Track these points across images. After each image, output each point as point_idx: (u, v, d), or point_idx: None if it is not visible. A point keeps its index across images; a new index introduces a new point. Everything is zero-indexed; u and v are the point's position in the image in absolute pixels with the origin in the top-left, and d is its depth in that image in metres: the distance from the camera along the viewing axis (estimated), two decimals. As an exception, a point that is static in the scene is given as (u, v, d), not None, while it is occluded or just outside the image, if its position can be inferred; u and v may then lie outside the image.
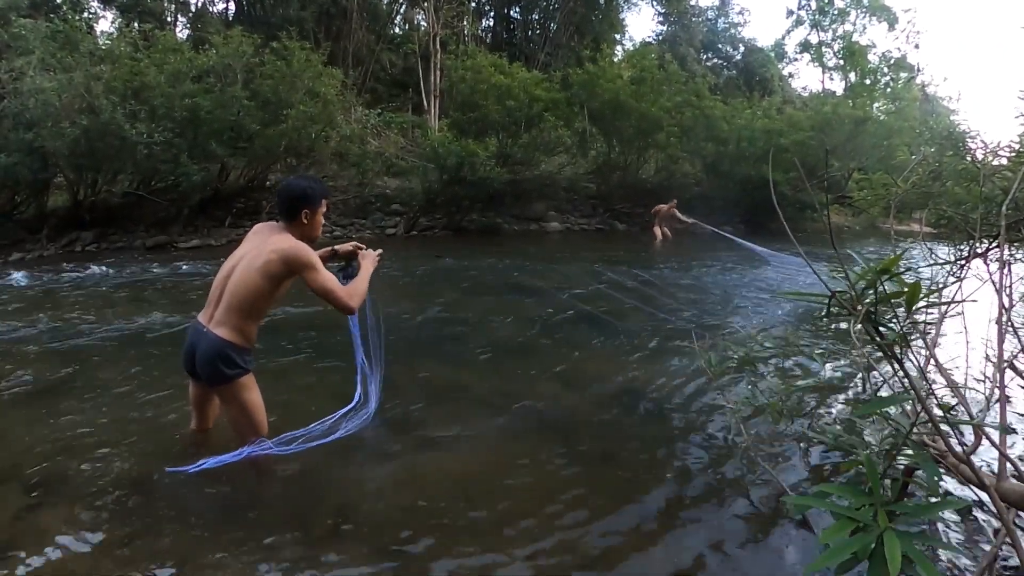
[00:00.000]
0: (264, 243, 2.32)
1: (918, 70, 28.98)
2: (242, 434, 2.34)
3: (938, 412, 1.50)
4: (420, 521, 2.17)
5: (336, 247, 2.66)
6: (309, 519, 2.15)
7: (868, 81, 26.81)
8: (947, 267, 2.62)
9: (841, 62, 28.45)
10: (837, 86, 28.82)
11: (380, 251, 2.65)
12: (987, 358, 2.43)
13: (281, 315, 4.90)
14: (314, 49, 11.91)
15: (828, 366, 4.03)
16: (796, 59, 31.05)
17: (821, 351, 4.33)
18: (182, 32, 17.59)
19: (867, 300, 1.29)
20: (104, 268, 7.71)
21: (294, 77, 10.92)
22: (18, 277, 6.90)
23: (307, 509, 2.22)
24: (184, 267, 8.03)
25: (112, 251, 9.24)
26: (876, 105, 20.10)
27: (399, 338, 4.75)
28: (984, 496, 2.05)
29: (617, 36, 25.41)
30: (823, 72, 29.88)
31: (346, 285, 2.38)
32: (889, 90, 26.23)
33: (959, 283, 2.37)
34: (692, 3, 29.03)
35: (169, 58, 9.91)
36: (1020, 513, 2.01)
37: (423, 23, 19.59)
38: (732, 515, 2.27)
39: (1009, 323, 1.89)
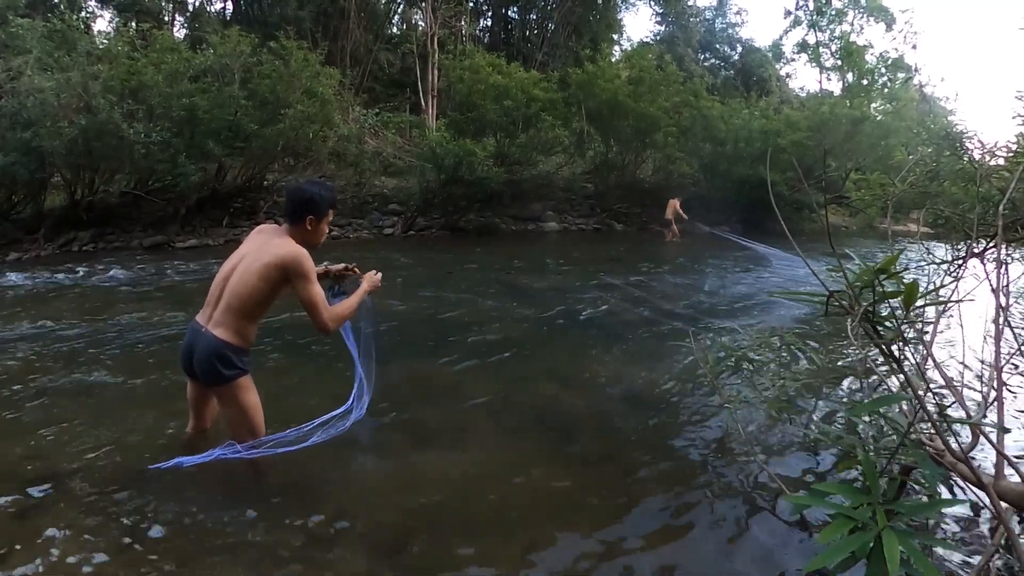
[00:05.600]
0: (264, 245, 2.31)
1: (915, 70, 29.02)
2: (239, 435, 2.33)
3: (935, 411, 1.51)
4: (419, 521, 2.17)
5: (329, 267, 2.63)
6: (308, 519, 2.15)
7: (865, 81, 26.88)
8: (944, 267, 2.62)
9: (839, 62, 28.48)
10: (835, 86, 28.93)
11: (380, 274, 2.61)
12: (982, 362, 2.44)
13: (283, 315, 4.89)
14: (312, 49, 11.88)
15: (826, 365, 4.04)
16: (794, 59, 31.14)
17: (819, 350, 4.33)
18: (179, 31, 17.57)
19: (865, 299, 1.30)
20: (101, 268, 7.68)
21: (292, 77, 10.88)
22: (15, 277, 6.87)
23: (306, 509, 2.21)
24: (182, 267, 8.00)
25: (109, 251, 9.21)
26: (873, 105, 20.16)
27: (398, 338, 4.75)
28: (982, 495, 2.05)
29: (615, 36, 25.50)
30: (820, 72, 29.94)
31: (332, 305, 2.36)
32: (886, 90, 26.31)
33: (956, 283, 2.38)
34: (690, 3, 29.15)
35: (166, 58, 9.86)
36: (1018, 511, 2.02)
37: (421, 23, 19.58)
38: (730, 515, 2.28)
39: (1006, 322, 1.90)
